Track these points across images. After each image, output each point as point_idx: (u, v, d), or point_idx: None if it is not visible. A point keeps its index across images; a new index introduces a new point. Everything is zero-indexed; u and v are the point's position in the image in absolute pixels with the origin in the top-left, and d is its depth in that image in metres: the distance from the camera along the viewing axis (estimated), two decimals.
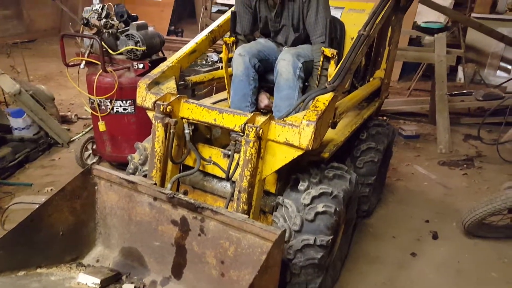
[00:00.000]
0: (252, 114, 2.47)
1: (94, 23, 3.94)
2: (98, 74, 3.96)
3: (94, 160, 4.71)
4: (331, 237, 2.50)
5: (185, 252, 2.43)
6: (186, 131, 2.75)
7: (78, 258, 2.60)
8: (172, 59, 3.19)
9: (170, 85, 3.00)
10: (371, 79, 4.00)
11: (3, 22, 10.91)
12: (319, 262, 2.49)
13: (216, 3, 11.67)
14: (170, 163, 2.77)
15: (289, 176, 2.74)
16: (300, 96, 3.00)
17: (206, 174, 2.95)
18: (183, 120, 2.75)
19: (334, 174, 2.72)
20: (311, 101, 2.55)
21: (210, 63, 5.67)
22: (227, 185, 2.85)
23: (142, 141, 3.22)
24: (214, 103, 3.50)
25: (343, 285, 3.13)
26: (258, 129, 2.34)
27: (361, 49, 2.88)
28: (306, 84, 3.27)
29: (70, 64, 4.11)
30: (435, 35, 6.17)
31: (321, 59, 3.10)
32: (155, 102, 2.67)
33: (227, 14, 3.62)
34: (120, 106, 4.11)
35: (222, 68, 3.72)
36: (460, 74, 8.67)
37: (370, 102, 3.95)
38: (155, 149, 2.68)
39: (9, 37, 10.33)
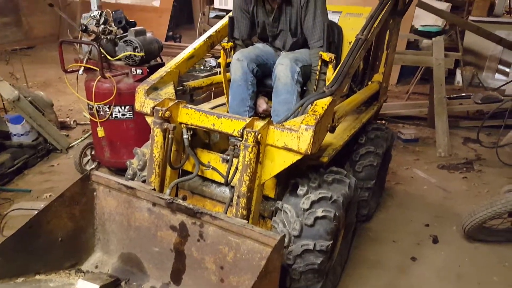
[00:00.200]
0: (250, 119, 2.47)
1: (92, 29, 3.94)
2: (96, 80, 3.96)
3: (93, 166, 4.70)
4: (330, 242, 2.50)
5: (184, 258, 2.43)
6: (185, 136, 2.75)
7: (77, 264, 2.59)
8: (170, 64, 3.19)
9: (169, 91, 3.00)
10: (369, 83, 4.00)
11: (2, 29, 10.93)
12: (319, 267, 2.48)
13: (214, 9, 11.72)
14: (169, 169, 2.77)
15: (288, 181, 2.74)
16: (299, 101, 3.00)
17: (205, 179, 2.94)
18: (182, 125, 2.75)
19: (333, 179, 2.72)
20: (310, 105, 2.55)
21: (208, 68, 5.68)
22: (226, 190, 2.84)
23: (140, 146, 3.21)
24: (212, 108, 3.50)
25: None
26: (256, 133, 2.34)
27: (359, 53, 2.88)
28: (305, 88, 3.27)
29: (68, 70, 4.11)
30: (433, 39, 6.20)
31: (319, 64, 3.10)
32: (153, 108, 2.67)
33: (225, 20, 3.62)
34: (119, 111, 4.11)
35: (220, 73, 3.72)
36: (459, 77, 8.68)
37: (369, 106, 3.95)
38: (153, 155, 2.67)
39: (8, 43, 10.35)
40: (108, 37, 4.07)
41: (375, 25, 3.13)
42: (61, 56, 4.06)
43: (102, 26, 4.03)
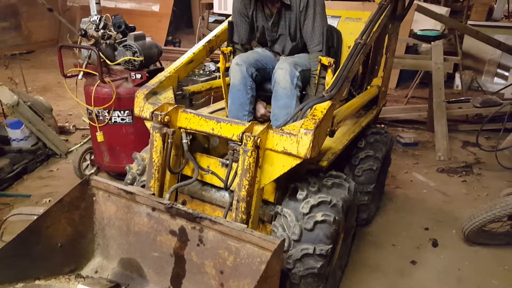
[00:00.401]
0: (250, 123, 2.47)
1: (92, 34, 3.95)
2: (96, 84, 3.97)
3: (92, 171, 4.70)
4: (330, 246, 2.49)
5: (184, 263, 2.42)
6: (184, 140, 2.75)
7: (76, 269, 2.59)
8: (170, 69, 3.20)
9: (168, 95, 3.00)
10: (368, 87, 4.01)
11: (1, 33, 10.95)
12: (319, 271, 2.47)
13: (213, 13, 11.73)
14: (168, 173, 2.77)
15: (287, 185, 2.74)
16: (298, 105, 3.00)
17: (205, 183, 2.94)
18: (181, 130, 2.75)
19: (333, 183, 2.72)
20: (309, 109, 2.55)
21: (207, 72, 5.68)
22: (226, 194, 2.84)
23: (140, 151, 3.21)
24: (211, 113, 3.51)
25: None
26: (256, 138, 2.34)
27: (358, 58, 2.89)
28: (304, 93, 3.28)
29: (68, 75, 4.11)
30: (432, 43, 6.21)
31: (319, 68, 3.11)
32: (153, 112, 2.67)
33: (224, 24, 3.63)
34: (118, 116, 4.11)
35: (219, 78, 3.72)
36: (458, 81, 8.69)
37: (368, 110, 3.96)
38: (153, 159, 2.67)
39: (8, 48, 10.35)
40: (108, 41, 4.08)
41: (374, 29, 3.14)
42: (60, 60, 4.07)
43: (102, 31, 4.04)
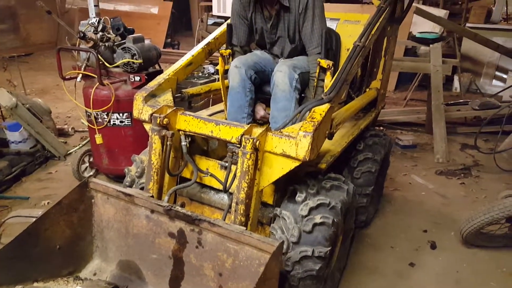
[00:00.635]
0: (248, 125, 2.47)
1: (90, 36, 3.95)
2: (94, 87, 3.96)
3: (91, 173, 4.70)
4: (329, 248, 2.49)
5: (183, 265, 2.42)
6: (183, 143, 2.75)
7: (75, 271, 2.58)
8: (169, 71, 3.20)
9: (167, 98, 3.00)
10: (367, 89, 4.02)
11: None
12: (318, 273, 2.48)
13: (212, 16, 11.74)
14: (167, 176, 2.77)
15: (286, 187, 2.74)
16: (297, 108, 3.00)
17: (204, 186, 2.94)
18: (180, 132, 2.75)
19: (332, 185, 2.72)
20: (308, 112, 2.55)
21: (206, 75, 5.68)
22: (225, 197, 2.84)
23: (139, 153, 3.21)
24: (210, 115, 3.51)
25: None
26: (255, 140, 2.34)
27: (357, 60, 2.89)
28: (303, 95, 3.28)
29: (66, 77, 4.11)
30: (431, 45, 6.22)
31: (317, 70, 3.11)
32: (151, 115, 2.68)
33: (223, 27, 3.64)
34: (117, 118, 4.11)
35: (218, 80, 3.73)
36: (456, 83, 8.71)
37: (367, 113, 3.96)
38: (152, 162, 2.67)
39: (6, 50, 10.35)
40: (106, 44, 4.08)
41: (372, 32, 3.14)
42: (59, 63, 4.07)
43: (100, 33, 4.04)
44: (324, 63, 3.04)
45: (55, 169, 4.95)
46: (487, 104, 6.22)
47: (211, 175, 2.79)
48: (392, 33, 3.87)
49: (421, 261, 3.53)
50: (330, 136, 2.71)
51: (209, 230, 2.30)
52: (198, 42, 3.91)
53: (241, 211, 2.42)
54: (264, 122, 3.40)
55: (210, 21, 11.57)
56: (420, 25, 8.57)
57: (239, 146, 2.41)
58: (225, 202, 2.80)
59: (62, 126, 6.15)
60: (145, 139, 2.88)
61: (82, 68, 4.10)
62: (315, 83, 3.16)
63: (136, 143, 4.17)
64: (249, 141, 2.34)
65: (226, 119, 3.41)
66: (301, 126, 2.38)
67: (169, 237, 2.44)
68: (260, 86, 3.43)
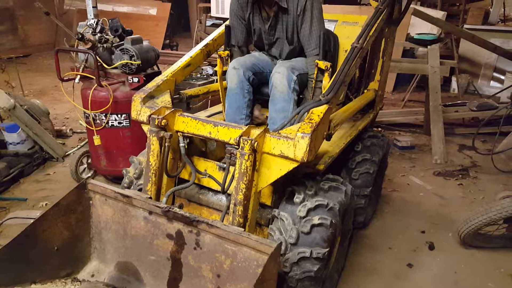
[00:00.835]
0: (247, 127, 2.47)
1: (89, 37, 3.95)
2: (93, 88, 3.96)
3: (89, 175, 4.70)
4: (327, 249, 2.50)
5: (181, 266, 2.42)
6: (181, 144, 2.74)
7: (73, 273, 2.58)
8: (167, 73, 3.20)
9: (165, 99, 3.00)
10: (365, 90, 4.02)
11: None
12: (316, 274, 2.48)
13: (211, 17, 11.74)
14: (165, 177, 2.76)
15: (284, 189, 2.74)
16: (295, 109, 3.01)
17: (202, 187, 2.94)
18: (178, 133, 2.75)
19: (330, 186, 2.72)
20: (306, 113, 2.55)
21: (205, 76, 5.69)
22: (223, 198, 2.84)
23: (137, 155, 3.21)
24: (209, 116, 3.51)
25: None
26: (253, 141, 2.34)
27: (355, 61, 2.90)
28: (301, 96, 3.29)
29: (65, 78, 4.10)
30: (428, 47, 6.23)
31: (316, 72, 3.11)
32: (150, 116, 2.67)
33: (222, 28, 3.64)
34: (115, 120, 4.11)
35: (216, 82, 3.73)
36: (454, 84, 8.73)
37: (365, 114, 3.97)
38: (150, 163, 2.67)
39: (4, 52, 10.33)
40: (105, 45, 4.08)
41: (370, 33, 3.15)
42: (57, 64, 4.07)
43: (99, 35, 4.04)
44: (322, 64, 3.04)
45: (53, 171, 4.95)
46: (485, 105, 6.23)
47: (210, 176, 2.80)
48: (390, 35, 3.88)
49: (419, 262, 3.53)
50: (328, 137, 2.71)
51: (207, 231, 2.30)
52: (197, 43, 3.91)
53: (239, 212, 2.42)
54: (259, 123, 3.40)
55: (209, 23, 11.57)
56: (418, 27, 8.60)
57: (237, 147, 2.41)
58: (223, 203, 2.80)
59: (60, 127, 6.15)
60: (143, 141, 2.88)
61: (80, 70, 4.09)
62: (313, 85, 3.17)
63: (134, 145, 4.17)
64: (247, 142, 2.34)
65: (224, 120, 3.41)
66: (299, 128, 2.38)
67: (167, 238, 2.44)
68: (258, 88, 3.44)
